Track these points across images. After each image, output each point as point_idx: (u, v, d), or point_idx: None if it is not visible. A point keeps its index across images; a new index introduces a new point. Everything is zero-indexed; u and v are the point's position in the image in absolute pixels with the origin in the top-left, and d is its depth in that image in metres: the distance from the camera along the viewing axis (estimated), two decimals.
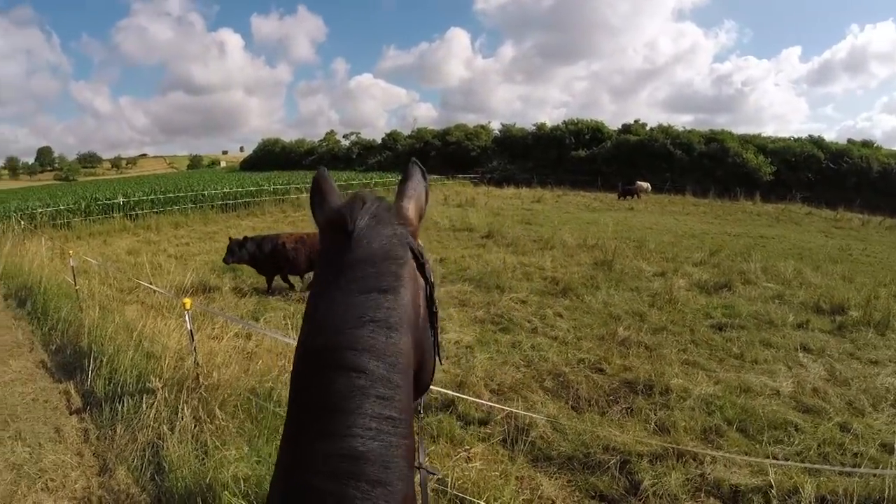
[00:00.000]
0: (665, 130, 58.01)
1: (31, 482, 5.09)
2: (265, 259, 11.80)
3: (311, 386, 0.97)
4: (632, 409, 6.05)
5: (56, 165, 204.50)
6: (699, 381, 6.62)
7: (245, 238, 12.04)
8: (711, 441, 5.42)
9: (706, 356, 7.62)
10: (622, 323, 8.76)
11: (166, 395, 5.60)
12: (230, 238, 12.18)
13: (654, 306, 9.82)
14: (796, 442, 5.35)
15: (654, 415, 5.87)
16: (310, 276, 12.29)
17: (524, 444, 5.21)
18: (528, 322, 9.07)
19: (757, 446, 5.29)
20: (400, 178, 1.47)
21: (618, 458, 4.95)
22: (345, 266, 1.08)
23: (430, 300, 1.25)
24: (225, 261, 12.08)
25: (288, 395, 1.06)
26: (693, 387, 6.37)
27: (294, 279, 12.47)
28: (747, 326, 8.85)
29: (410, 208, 1.32)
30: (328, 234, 1.21)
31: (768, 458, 4.98)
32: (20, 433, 6.05)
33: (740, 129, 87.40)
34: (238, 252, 11.83)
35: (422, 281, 1.21)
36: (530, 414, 5.36)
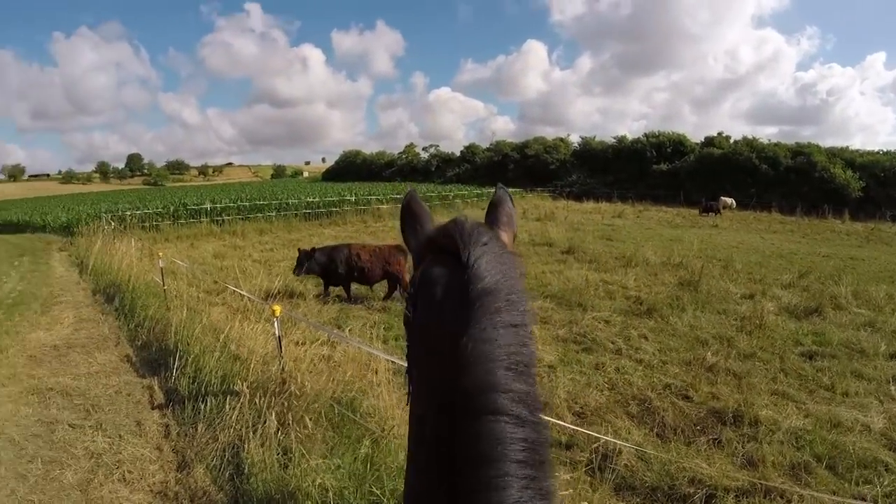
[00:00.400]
0: (749, 143, 56.42)
1: (109, 472, 5.25)
2: (336, 269, 11.94)
3: (463, 431, 0.94)
4: (719, 440, 5.88)
5: (145, 171, 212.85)
6: (789, 413, 6.38)
7: (313, 249, 12.25)
8: (799, 478, 5.21)
9: (796, 387, 7.35)
10: (710, 348, 8.56)
11: (251, 398, 5.68)
12: (299, 250, 12.38)
13: (742, 331, 9.52)
14: (886, 483, 5.09)
15: (742, 447, 5.70)
16: (379, 286, 12.59)
17: (609, 472, 5.13)
18: (612, 343, 8.95)
19: (846, 485, 5.07)
20: (488, 203, 1.50)
21: (704, 491, 4.82)
22: (472, 298, 1.02)
23: None
24: (295, 273, 12.22)
25: (417, 432, 1.08)
26: (782, 419, 6.16)
27: (361, 288, 12.71)
28: (838, 356, 8.48)
29: (506, 236, 1.32)
30: (433, 258, 1.19)
31: (857, 498, 4.78)
32: (101, 423, 6.27)
33: (827, 142, 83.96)
34: (307, 263, 12.00)
35: None
36: (619, 442, 5.26)
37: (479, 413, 0.94)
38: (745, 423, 6.13)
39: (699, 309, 10.94)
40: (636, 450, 5.39)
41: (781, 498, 4.73)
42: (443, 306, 1.07)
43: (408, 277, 12.04)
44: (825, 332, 9.58)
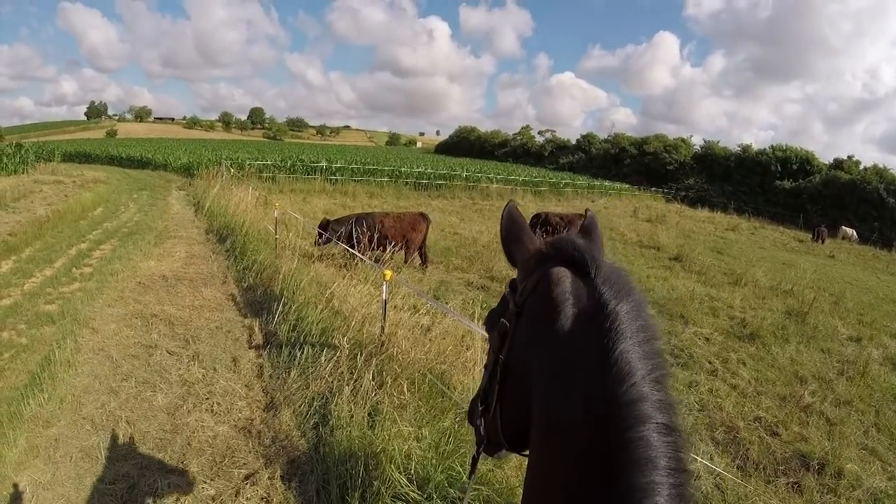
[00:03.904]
0: (879, 173, 52.80)
1: (199, 401, 5.52)
2: (360, 236, 11.64)
3: (617, 439, 0.98)
4: (799, 485, 5.66)
5: (266, 125, 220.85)
6: (874, 471, 6.05)
7: (326, 221, 12.28)
8: None
9: (886, 444, 6.92)
10: (808, 386, 8.19)
11: (348, 354, 5.83)
12: (324, 220, 12.45)
13: (843, 374, 9.04)
14: None
15: (821, 498, 5.47)
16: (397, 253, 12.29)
17: None
18: (709, 363, 8.71)
19: None
20: (581, 225, 1.55)
21: None
22: (616, 312, 1.09)
23: None
24: (319, 243, 12.00)
25: (556, 442, 1.10)
26: (866, 477, 5.85)
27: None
28: None
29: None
30: (553, 268, 1.25)
31: None
32: (198, 355, 6.59)
33: None
34: (329, 233, 11.80)
35: None
36: (711, 464, 5.17)
37: (634, 421, 0.99)
38: (829, 473, 5.87)
39: (803, 343, 10.46)
40: (716, 478, 5.32)
41: None
42: (585, 318, 1.13)
43: (425, 244, 12.77)
44: None
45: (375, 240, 11.63)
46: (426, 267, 12.56)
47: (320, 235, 11.98)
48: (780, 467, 5.99)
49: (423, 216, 12.69)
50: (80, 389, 5.54)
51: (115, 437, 4.76)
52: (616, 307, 1.10)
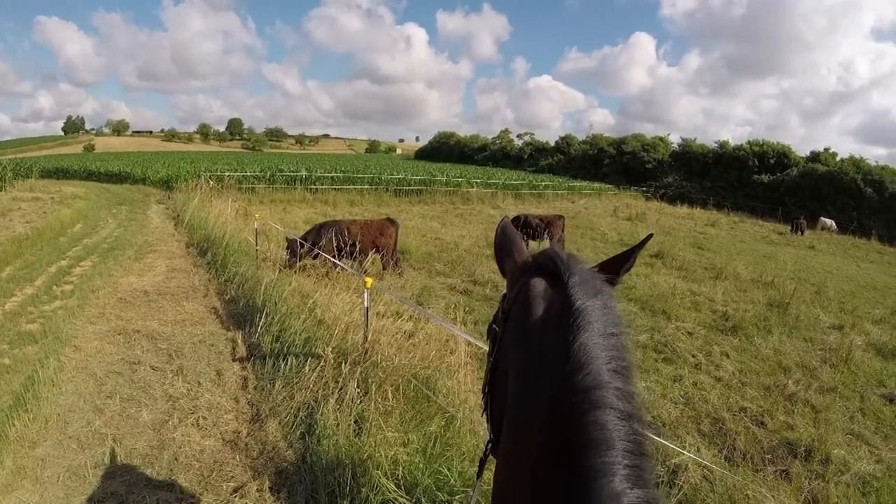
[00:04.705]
0: (856, 163, 53.53)
1: (184, 415, 5.49)
2: (328, 245, 11.27)
3: (577, 421, 1.09)
4: (787, 473, 5.71)
5: (244, 136, 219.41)
6: (861, 456, 6.14)
7: (293, 239, 11.67)
8: None
9: (872, 429, 7.03)
10: (792, 376, 8.29)
11: (332, 362, 5.81)
12: (287, 238, 11.99)
13: (826, 362, 9.17)
14: None
15: (809, 484, 5.50)
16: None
17: (673, 488, 5.07)
18: (693, 356, 8.78)
19: None
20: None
21: None
22: (579, 309, 1.21)
23: None
24: (289, 262, 11.27)
25: (522, 429, 1.25)
26: (854, 461, 5.94)
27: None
28: None
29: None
30: (532, 277, 1.39)
31: None
32: (182, 369, 6.56)
33: None
34: (300, 250, 11.35)
35: None
36: (692, 456, 5.21)
37: (591, 406, 1.09)
38: (816, 460, 5.95)
39: (786, 333, 10.58)
40: (704, 469, 5.35)
41: None
42: (553, 317, 1.26)
43: (397, 248, 12.56)
44: None
45: (345, 247, 11.41)
46: (400, 271, 12.47)
47: (294, 253, 11.44)
48: (768, 456, 6.05)
49: (391, 221, 12.60)
50: (64, 408, 5.49)
51: (102, 456, 4.72)
52: (582, 305, 1.22)
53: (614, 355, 1.17)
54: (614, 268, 1.48)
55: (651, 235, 1.80)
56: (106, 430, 5.13)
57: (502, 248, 1.67)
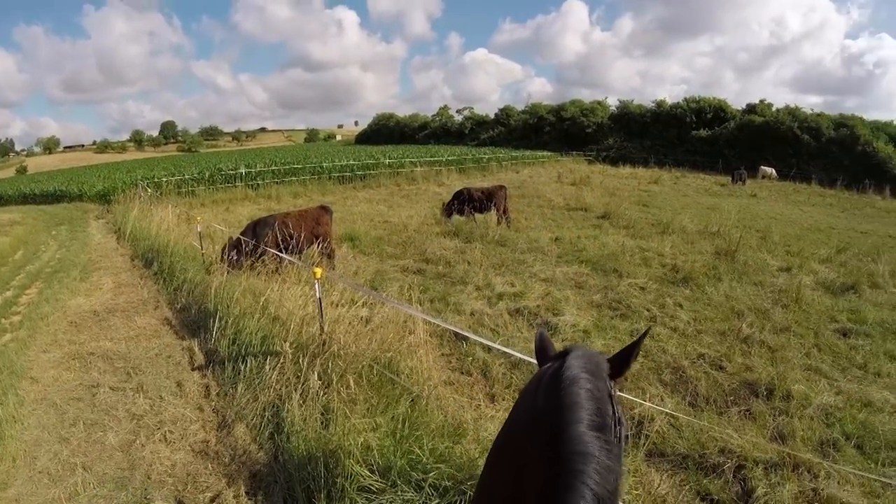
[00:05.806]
0: (792, 112, 54.71)
1: (151, 432, 5.42)
2: (267, 242, 10.44)
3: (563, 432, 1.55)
4: (751, 412, 5.88)
5: (179, 138, 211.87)
6: (821, 389, 6.32)
7: (230, 241, 10.95)
8: (827, 454, 5.14)
9: (829, 363, 7.25)
10: (745, 319, 8.49)
11: (291, 358, 5.77)
12: (230, 239, 11.15)
13: (778, 304, 9.44)
14: None
15: (773, 420, 5.69)
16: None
17: (642, 439, 5.18)
18: (647, 310, 8.96)
19: (872, 465, 5.00)
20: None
21: (733, 461, 4.86)
22: (567, 365, 1.75)
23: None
24: (233, 264, 9.93)
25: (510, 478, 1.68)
26: (814, 395, 6.11)
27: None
28: (872, 335, 8.28)
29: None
30: (545, 367, 1.90)
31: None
32: (142, 385, 6.44)
33: (871, 115, 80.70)
34: (238, 248, 10.48)
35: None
36: (656, 407, 5.31)
37: (564, 422, 1.58)
38: (778, 397, 6.12)
39: (735, 279, 10.86)
40: (669, 417, 5.45)
41: (809, 473, 4.73)
42: (546, 371, 1.84)
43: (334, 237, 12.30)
44: (861, 309, 9.39)
45: (287, 241, 10.74)
46: (333, 265, 11.76)
47: (239, 253, 10.32)
48: (730, 398, 6.22)
49: (325, 208, 12.19)
50: (30, 444, 5.36)
51: (74, 486, 4.62)
52: (567, 361, 1.77)
53: (586, 385, 1.70)
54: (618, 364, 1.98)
55: (650, 328, 2.35)
56: (74, 460, 5.03)
57: (541, 351, 2.21)
